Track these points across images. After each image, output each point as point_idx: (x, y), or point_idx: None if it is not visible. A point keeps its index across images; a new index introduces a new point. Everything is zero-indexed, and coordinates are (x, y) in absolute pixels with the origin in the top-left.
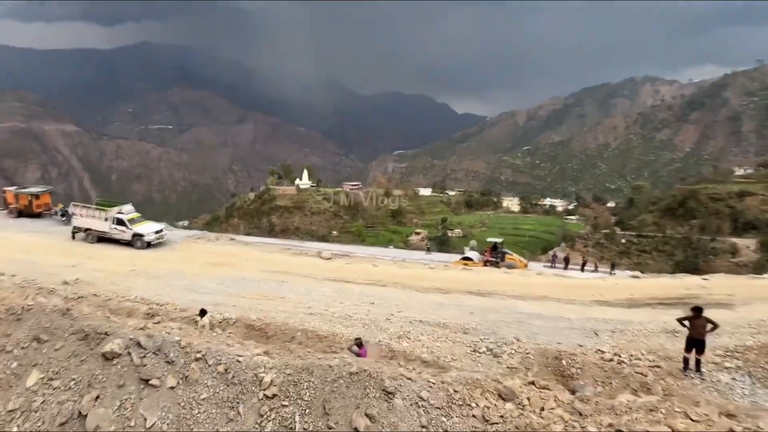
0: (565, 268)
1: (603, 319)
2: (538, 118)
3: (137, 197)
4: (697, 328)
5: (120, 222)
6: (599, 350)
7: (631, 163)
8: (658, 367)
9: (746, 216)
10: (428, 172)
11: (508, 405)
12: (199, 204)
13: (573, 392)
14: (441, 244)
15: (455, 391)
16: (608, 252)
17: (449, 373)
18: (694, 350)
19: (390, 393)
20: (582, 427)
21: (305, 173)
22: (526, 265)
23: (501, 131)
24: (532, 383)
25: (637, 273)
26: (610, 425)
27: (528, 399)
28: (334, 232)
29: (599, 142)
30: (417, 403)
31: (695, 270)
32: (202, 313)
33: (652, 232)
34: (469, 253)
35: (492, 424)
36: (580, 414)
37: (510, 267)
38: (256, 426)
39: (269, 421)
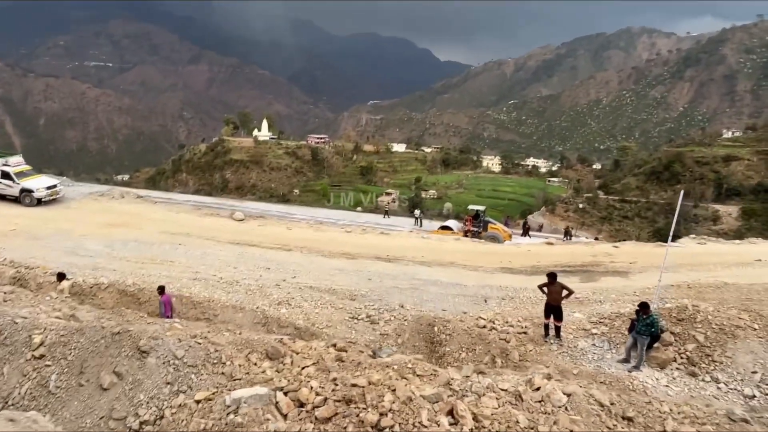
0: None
1: (498, 286)
2: (527, 68)
3: (69, 145)
4: (552, 294)
5: (5, 175)
6: (480, 317)
7: (622, 121)
8: (525, 333)
9: (730, 182)
10: (405, 125)
11: (266, 363)
12: (144, 155)
13: (374, 355)
14: (413, 206)
15: (215, 351)
16: (590, 218)
17: (242, 335)
18: (552, 317)
19: (144, 352)
20: (331, 383)
21: (265, 123)
22: (510, 236)
23: (486, 82)
24: (334, 346)
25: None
26: (351, 384)
27: (291, 359)
28: (296, 191)
29: (590, 98)
30: (170, 361)
31: (675, 237)
32: (60, 277)
33: (636, 196)
34: (448, 223)
35: (236, 380)
36: (329, 372)
37: (493, 238)
38: (17, 386)
39: (29, 380)
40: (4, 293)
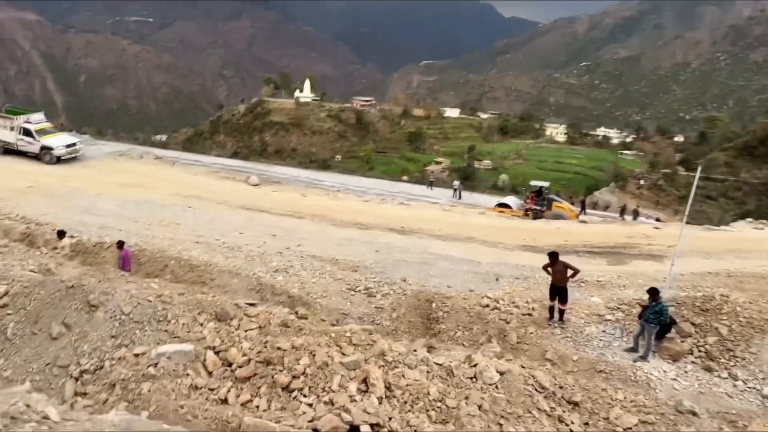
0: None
1: (515, 265)
2: (603, 27)
3: (109, 104)
4: (556, 275)
5: (27, 132)
6: (486, 296)
7: (713, 88)
8: (530, 315)
9: None
10: (460, 88)
11: (211, 324)
12: (183, 115)
13: (334, 324)
14: (465, 177)
15: (163, 309)
16: (666, 197)
17: (195, 296)
18: (557, 299)
19: (94, 306)
20: (261, 345)
21: (307, 84)
22: (577, 216)
23: (555, 42)
24: (296, 313)
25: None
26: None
27: (239, 322)
28: (338, 157)
29: (676, 60)
30: (116, 316)
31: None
32: (60, 234)
33: (723, 174)
34: (506, 199)
35: (176, 337)
36: (267, 335)
37: (557, 217)
38: None
39: None
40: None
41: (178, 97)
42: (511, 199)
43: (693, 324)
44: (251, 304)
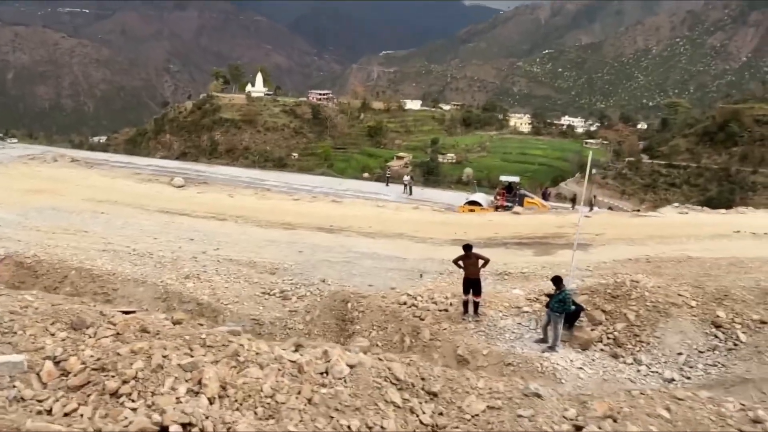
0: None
1: (442, 260)
2: (565, 13)
3: (41, 103)
4: (469, 268)
5: None
6: (407, 294)
7: (674, 74)
8: (446, 311)
9: None
10: (422, 79)
11: (63, 333)
12: (124, 114)
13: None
14: (428, 172)
15: (10, 320)
16: (631, 185)
17: (51, 305)
18: (471, 292)
19: None
20: (101, 352)
21: (259, 77)
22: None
23: (517, 29)
24: (171, 318)
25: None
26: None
27: (96, 330)
28: (294, 155)
29: (638, 47)
30: None
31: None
32: None
33: (686, 160)
34: (475, 197)
35: (19, 349)
36: (122, 342)
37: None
38: None
39: None
40: None
41: (118, 94)
42: (480, 197)
43: (604, 311)
44: (128, 312)
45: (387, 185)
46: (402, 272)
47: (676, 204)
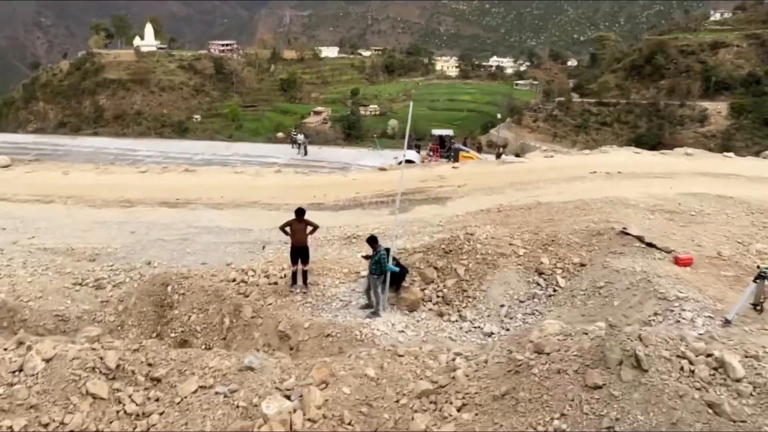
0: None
1: None
2: None
3: None
4: (297, 235)
5: None
6: (241, 269)
7: (605, 6)
8: (275, 284)
9: (719, 74)
10: (341, 23)
11: None
12: None
13: None
14: (350, 127)
15: None
16: (562, 127)
17: None
18: (299, 261)
19: None
20: None
21: (149, 29)
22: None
23: None
24: None
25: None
26: None
27: None
28: (196, 117)
29: None
30: None
31: (659, 145)
32: None
33: (615, 97)
34: (407, 155)
35: None
36: None
37: None
38: None
39: None
40: None
41: None
42: (412, 154)
43: (436, 268)
44: None
45: (296, 148)
46: (243, 245)
47: (544, 148)
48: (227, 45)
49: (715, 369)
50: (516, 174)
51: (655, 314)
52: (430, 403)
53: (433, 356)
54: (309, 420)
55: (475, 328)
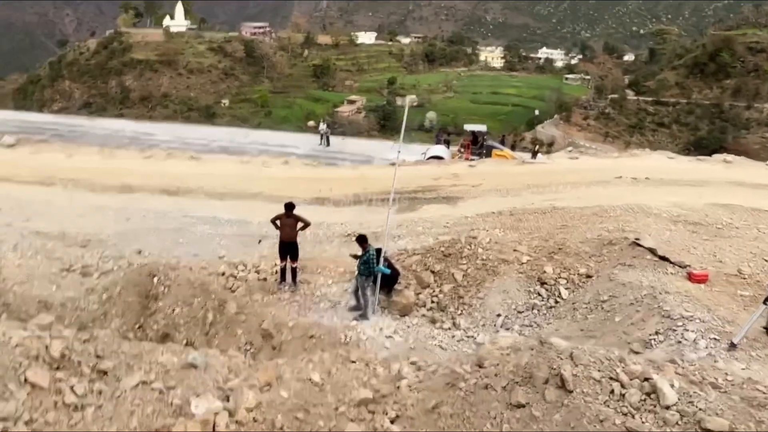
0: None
1: None
2: None
3: None
4: (285, 230)
5: None
6: (232, 263)
7: None
8: (265, 280)
9: None
10: (381, 7)
11: None
12: (14, 56)
13: None
14: (385, 118)
15: None
16: (615, 126)
17: None
18: (288, 257)
19: None
20: None
21: (179, 8)
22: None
23: None
24: None
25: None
26: None
27: None
28: (224, 102)
29: None
30: None
31: (721, 149)
32: None
33: (675, 96)
34: (434, 150)
35: None
36: None
37: None
38: None
39: None
40: None
41: (8, 31)
42: (440, 149)
43: (433, 272)
44: None
45: (323, 143)
46: (240, 238)
47: (570, 149)
48: (260, 27)
49: (648, 394)
50: (535, 176)
51: (657, 333)
52: (369, 412)
53: (385, 364)
54: (236, 422)
55: (468, 337)
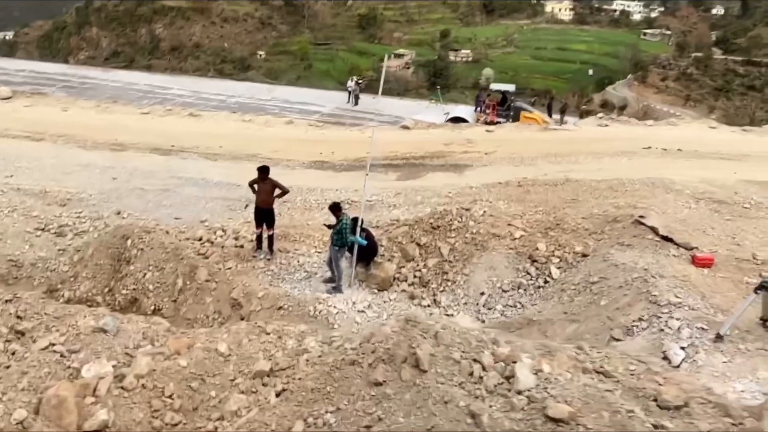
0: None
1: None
2: None
3: None
4: (261, 195)
5: None
6: (212, 228)
7: None
8: (241, 247)
9: None
10: None
11: None
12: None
13: None
14: (435, 74)
15: None
16: (698, 89)
17: None
18: (264, 224)
19: None
20: None
21: None
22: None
23: None
24: None
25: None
26: None
27: None
28: (261, 54)
29: None
30: None
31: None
32: None
33: None
34: (458, 111)
35: None
36: None
37: None
38: None
39: None
40: None
41: None
42: (463, 110)
43: (419, 245)
44: None
45: (352, 101)
46: (225, 202)
47: (601, 115)
48: None
49: (507, 378)
50: (556, 144)
51: (640, 319)
52: (262, 385)
53: (300, 337)
54: (122, 388)
55: (447, 315)
